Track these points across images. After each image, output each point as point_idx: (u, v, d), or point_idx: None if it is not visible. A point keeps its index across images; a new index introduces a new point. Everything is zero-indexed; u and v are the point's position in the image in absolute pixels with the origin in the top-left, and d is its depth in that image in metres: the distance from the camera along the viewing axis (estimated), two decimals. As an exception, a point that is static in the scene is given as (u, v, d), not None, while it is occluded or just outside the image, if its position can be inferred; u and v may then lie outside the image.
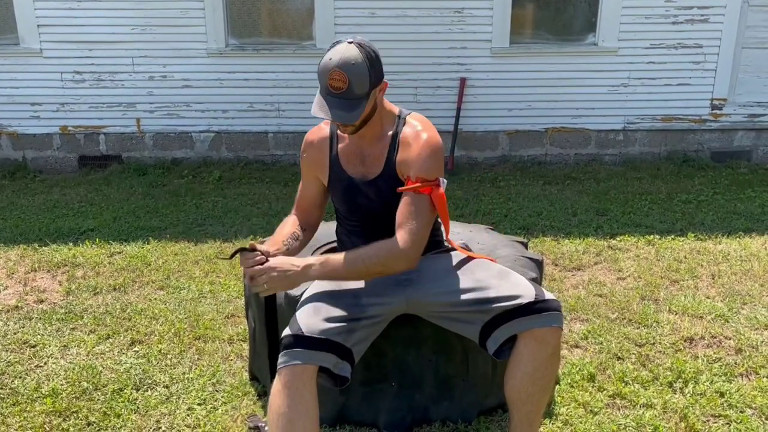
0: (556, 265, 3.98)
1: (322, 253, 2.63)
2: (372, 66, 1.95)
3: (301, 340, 1.90)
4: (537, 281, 2.39)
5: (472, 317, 2.04)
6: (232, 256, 2.06)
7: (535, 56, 6.37)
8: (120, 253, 4.20)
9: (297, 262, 2.00)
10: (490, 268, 2.15)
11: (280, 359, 1.90)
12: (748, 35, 6.40)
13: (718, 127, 6.60)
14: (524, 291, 2.03)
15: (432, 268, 2.15)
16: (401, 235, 1.98)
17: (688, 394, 2.54)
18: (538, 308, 1.99)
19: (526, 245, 2.76)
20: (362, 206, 2.16)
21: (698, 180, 5.96)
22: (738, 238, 4.38)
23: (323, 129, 2.23)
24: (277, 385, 1.89)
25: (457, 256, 2.21)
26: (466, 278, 2.10)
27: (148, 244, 4.35)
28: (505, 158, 6.59)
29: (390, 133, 2.11)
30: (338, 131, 2.17)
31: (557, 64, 6.38)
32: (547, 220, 4.82)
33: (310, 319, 1.94)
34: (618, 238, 4.40)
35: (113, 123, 6.44)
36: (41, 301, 3.51)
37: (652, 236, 4.42)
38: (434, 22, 6.21)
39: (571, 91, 6.44)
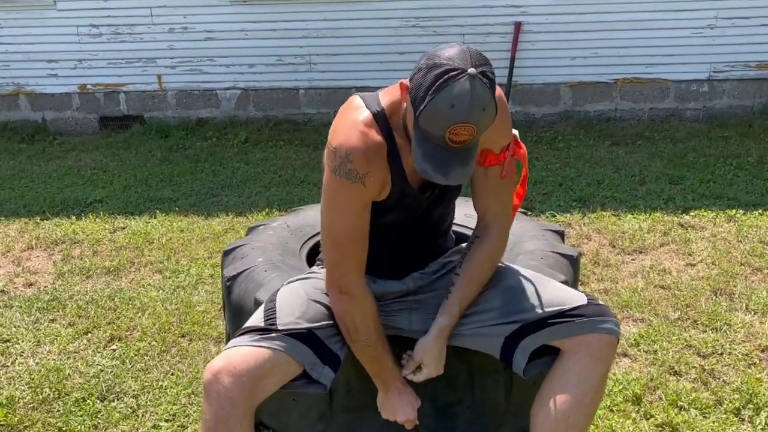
0: (614, 246, 3.58)
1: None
2: (497, 102, 1.50)
3: (269, 328, 1.64)
4: (567, 284, 2.02)
5: (493, 327, 1.73)
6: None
7: (603, -6, 5.78)
8: (123, 228, 4.06)
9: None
10: (521, 273, 1.83)
11: (226, 347, 1.63)
12: None
13: (827, 75, 5.89)
14: (569, 297, 1.72)
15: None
16: (498, 226, 1.77)
17: (759, 427, 2.15)
18: (590, 312, 1.67)
19: (562, 236, 2.40)
20: (418, 217, 1.81)
21: (798, 139, 5.34)
22: (842, 215, 3.84)
23: (371, 134, 1.62)
24: (206, 413, 1.55)
25: None
26: (489, 291, 1.78)
27: (154, 218, 4.19)
28: (568, 114, 6.10)
29: None
30: (394, 139, 1.66)
31: (629, 4, 5.76)
32: (608, 190, 4.38)
33: (288, 317, 1.68)
34: (692, 213, 3.93)
35: (133, 80, 6.29)
36: (30, 285, 3.39)
37: (734, 211, 3.92)
38: (485, -42, 5.71)
39: (645, 35, 5.82)
